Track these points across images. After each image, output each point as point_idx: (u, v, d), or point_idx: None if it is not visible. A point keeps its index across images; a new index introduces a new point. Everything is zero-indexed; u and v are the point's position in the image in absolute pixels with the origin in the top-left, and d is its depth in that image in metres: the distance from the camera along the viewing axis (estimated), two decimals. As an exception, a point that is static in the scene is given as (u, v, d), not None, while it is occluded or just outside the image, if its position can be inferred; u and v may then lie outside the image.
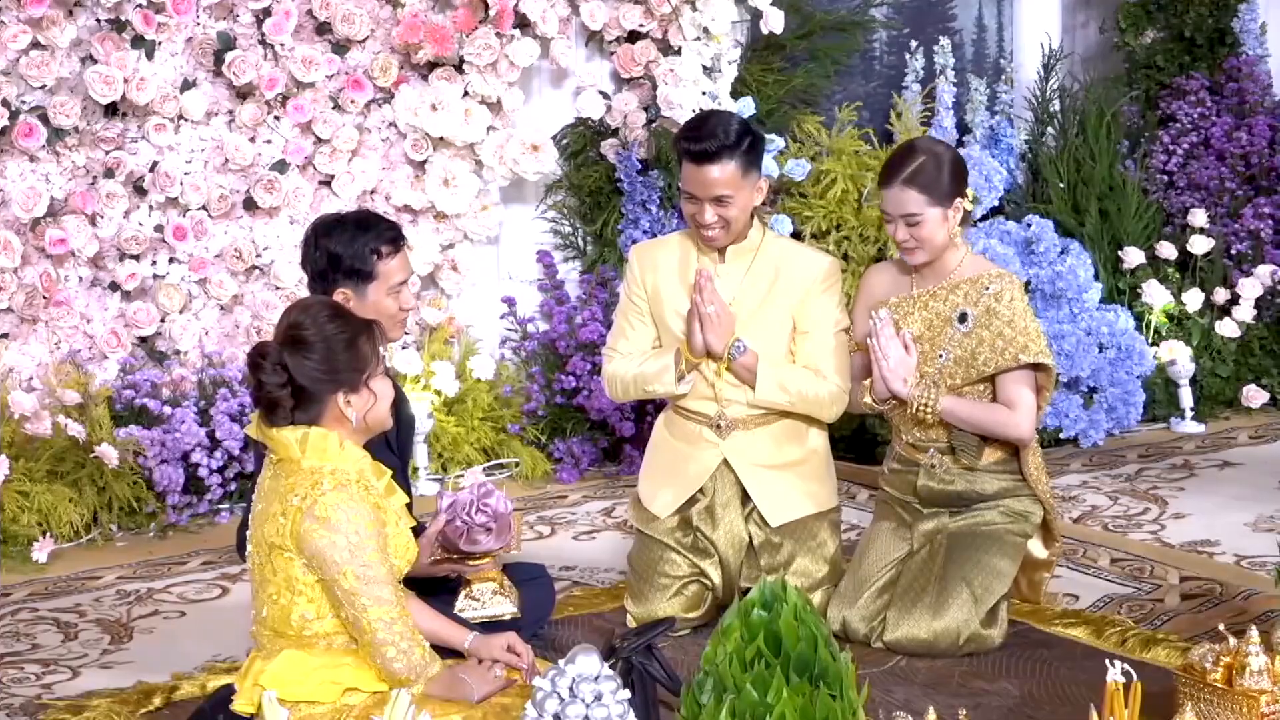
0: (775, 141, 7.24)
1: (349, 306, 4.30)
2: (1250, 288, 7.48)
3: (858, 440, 6.55)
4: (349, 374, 3.61)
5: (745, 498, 4.78)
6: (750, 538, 4.77)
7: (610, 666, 2.95)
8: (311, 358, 3.57)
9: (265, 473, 3.69)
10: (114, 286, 6.44)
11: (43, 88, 6.18)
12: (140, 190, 6.44)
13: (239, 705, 3.70)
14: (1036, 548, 4.75)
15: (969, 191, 4.57)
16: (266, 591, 3.63)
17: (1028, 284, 7.28)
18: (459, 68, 6.87)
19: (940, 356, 4.55)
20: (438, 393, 6.64)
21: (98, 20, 6.29)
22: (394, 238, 4.37)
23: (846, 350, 4.73)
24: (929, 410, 4.51)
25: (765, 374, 4.67)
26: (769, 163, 7.18)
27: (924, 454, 4.65)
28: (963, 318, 4.53)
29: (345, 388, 3.60)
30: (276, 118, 6.66)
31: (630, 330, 4.84)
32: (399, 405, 4.03)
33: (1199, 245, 7.59)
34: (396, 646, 3.57)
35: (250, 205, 6.62)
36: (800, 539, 4.75)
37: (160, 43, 6.41)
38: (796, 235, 7.20)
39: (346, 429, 3.62)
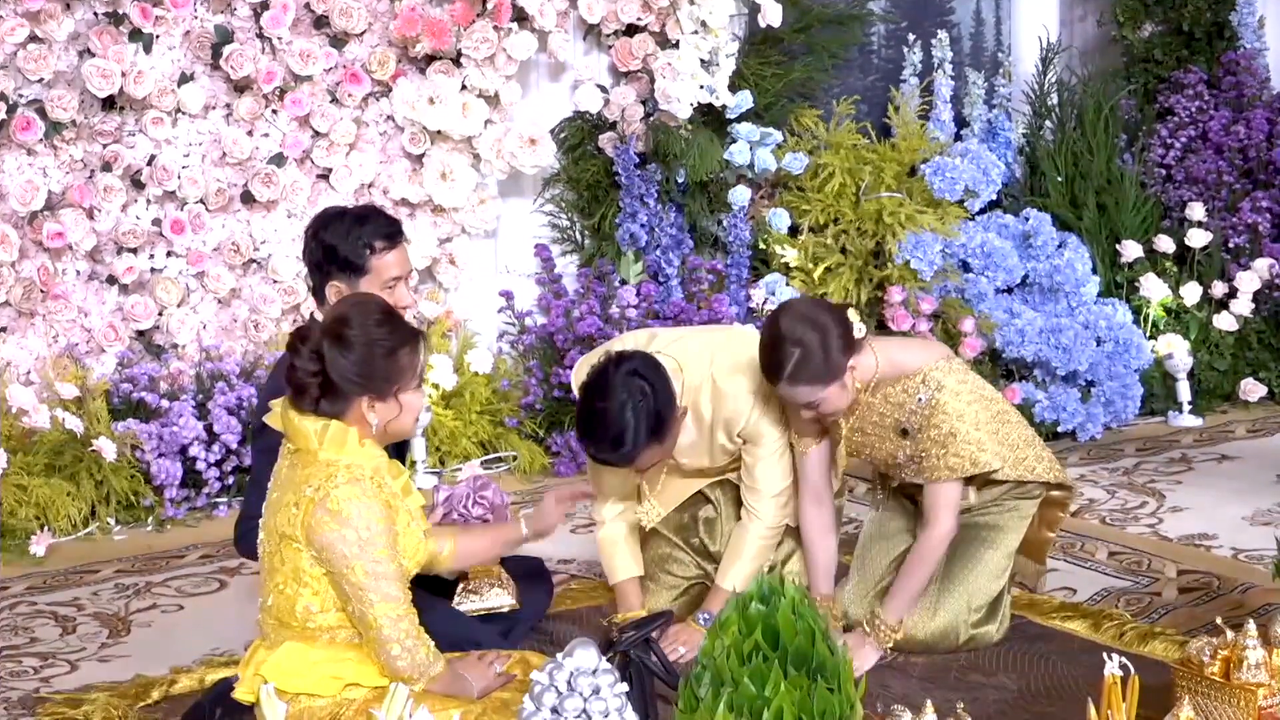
0: (773, 135, 7.24)
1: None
2: (1248, 281, 7.48)
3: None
4: (380, 382, 3.59)
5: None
6: None
7: (608, 660, 2.95)
8: (348, 357, 3.55)
9: (282, 462, 3.69)
10: (111, 280, 6.44)
11: (40, 81, 6.18)
12: (138, 184, 6.44)
13: (240, 693, 3.70)
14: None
15: (856, 328, 4.31)
16: (274, 580, 3.63)
17: (1026, 278, 7.29)
18: (456, 61, 6.87)
19: (897, 459, 4.45)
20: (435, 386, 6.64)
21: (95, 14, 6.29)
22: (390, 233, 4.35)
23: (788, 459, 4.55)
24: (897, 635, 4.42)
25: (741, 585, 4.47)
26: (768, 156, 7.18)
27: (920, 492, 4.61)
28: (904, 433, 4.38)
29: (373, 394, 3.59)
30: (274, 111, 6.65)
31: (604, 489, 4.67)
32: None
33: (1197, 239, 7.59)
34: (401, 644, 3.56)
35: (248, 199, 6.62)
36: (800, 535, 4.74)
37: (158, 36, 6.41)
38: (794, 229, 7.21)
39: (366, 431, 3.62)
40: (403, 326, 3.67)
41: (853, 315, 4.27)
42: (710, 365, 4.46)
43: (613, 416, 4.19)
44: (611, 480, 4.63)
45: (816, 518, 4.57)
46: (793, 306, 4.31)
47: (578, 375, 4.51)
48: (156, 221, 6.48)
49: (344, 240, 4.30)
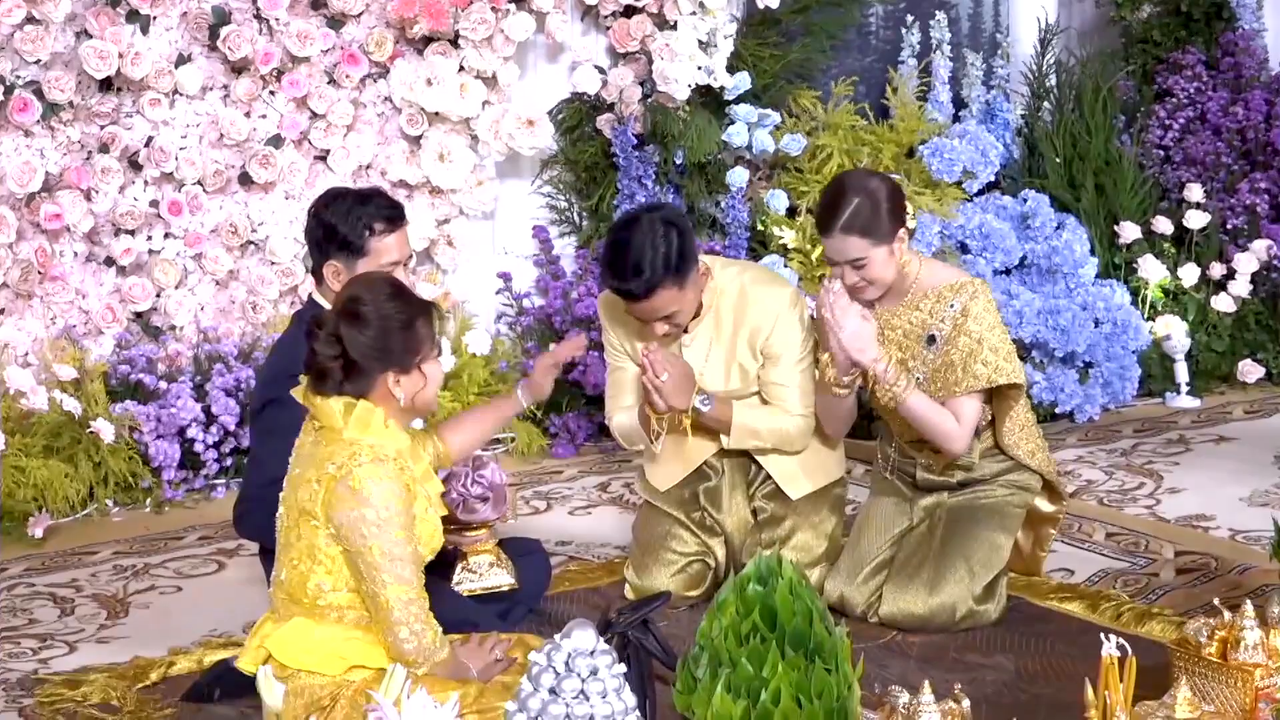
0: (771, 116, 7.24)
1: (339, 281, 4.31)
2: (1246, 263, 7.48)
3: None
4: (402, 355, 3.62)
5: (750, 479, 4.78)
6: (755, 514, 4.78)
7: (606, 641, 2.95)
8: (366, 333, 3.58)
9: (305, 437, 3.71)
10: (109, 262, 6.44)
11: (37, 62, 6.16)
12: (135, 165, 6.43)
13: (242, 663, 3.72)
14: (1042, 502, 4.72)
15: (910, 214, 4.45)
16: (289, 555, 3.64)
17: (1024, 259, 7.29)
18: (454, 42, 6.85)
19: (916, 378, 4.48)
20: (434, 368, 6.63)
21: (92, -5, 6.29)
22: (391, 216, 4.36)
23: (811, 380, 4.64)
24: (895, 399, 4.42)
25: (737, 423, 4.64)
26: (766, 137, 7.18)
27: (920, 453, 4.64)
28: (931, 340, 4.44)
29: (396, 368, 3.61)
30: (272, 92, 6.65)
31: (622, 380, 4.78)
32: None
33: (1195, 220, 7.58)
34: (410, 627, 3.57)
35: (245, 180, 6.61)
36: (803, 514, 4.75)
37: (155, 17, 6.39)
38: (792, 211, 7.20)
39: (393, 408, 3.63)
40: (414, 299, 3.71)
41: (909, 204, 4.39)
42: (741, 275, 4.68)
43: (636, 244, 4.39)
44: (625, 377, 4.75)
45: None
46: (856, 170, 4.46)
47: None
48: (154, 203, 6.47)
49: (344, 220, 4.31)
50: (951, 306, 4.43)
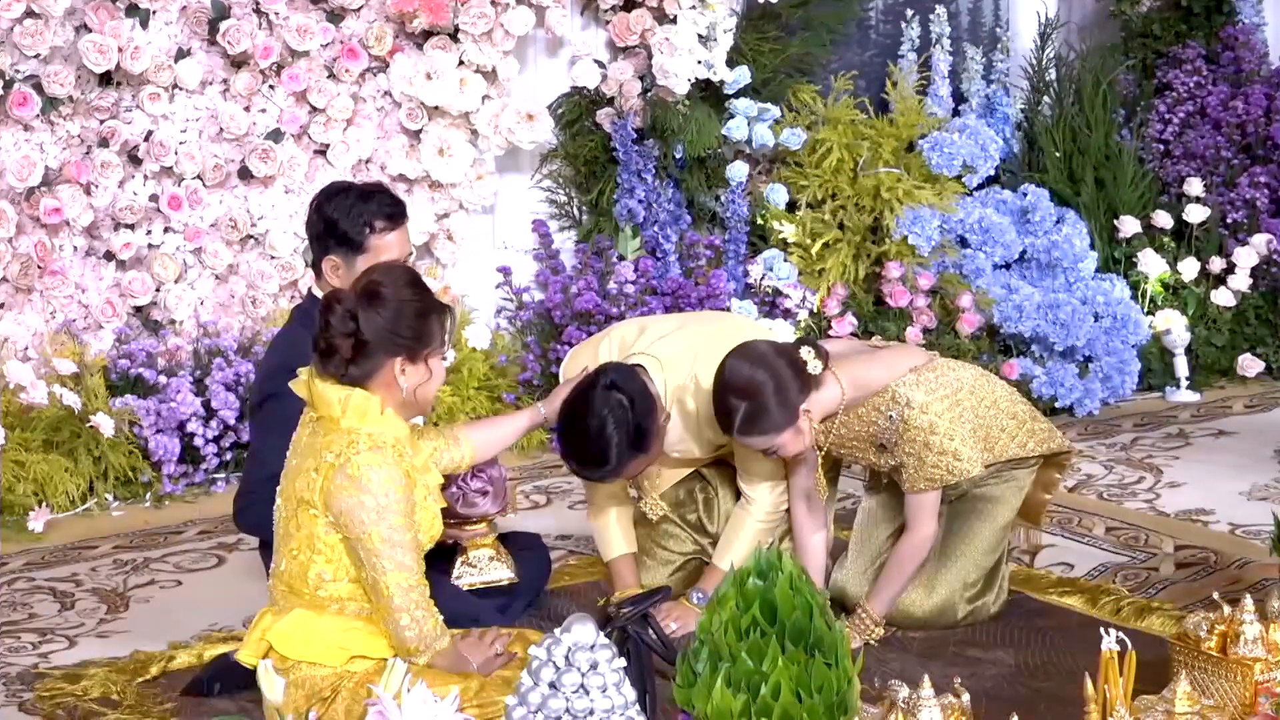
0: (771, 111, 7.23)
1: (338, 276, 4.31)
2: (1246, 257, 7.48)
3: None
4: (412, 342, 3.63)
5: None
6: None
7: (606, 635, 2.95)
8: (383, 314, 3.59)
9: (302, 430, 3.72)
10: (109, 256, 6.43)
11: (37, 57, 6.16)
12: (135, 159, 6.42)
13: (242, 656, 3.73)
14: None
15: (809, 367, 4.26)
16: (288, 546, 3.65)
17: (1024, 253, 7.29)
18: (454, 36, 6.85)
19: (882, 467, 4.45)
20: (434, 362, 6.63)
21: (91, -11, 6.28)
22: (392, 214, 4.35)
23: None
24: (879, 630, 4.40)
25: (733, 565, 4.50)
26: (765, 132, 7.17)
27: None
28: (881, 448, 4.37)
29: (405, 355, 3.63)
30: (271, 87, 6.64)
31: (595, 487, 4.65)
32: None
33: (1195, 214, 7.58)
34: (410, 614, 3.58)
35: (245, 175, 6.61)
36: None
37: (154, 11, 6.39)
38: (792, 205, 7.21)
39: (394, 398, 3.64)
40: (431, 293, 3.73)
41: (805, 354, 4.24)
42: (694, 364, 4.43)
43: (593, 435, 4.19)
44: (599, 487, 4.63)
45: (806, 517, 4.55)
46: (741, 354, 4.23)
47: (568, 368, 4.55)
48: (154, 197, 6.47)
49: (345, 216, 4.31)
50: (890, 418, 4.33)
